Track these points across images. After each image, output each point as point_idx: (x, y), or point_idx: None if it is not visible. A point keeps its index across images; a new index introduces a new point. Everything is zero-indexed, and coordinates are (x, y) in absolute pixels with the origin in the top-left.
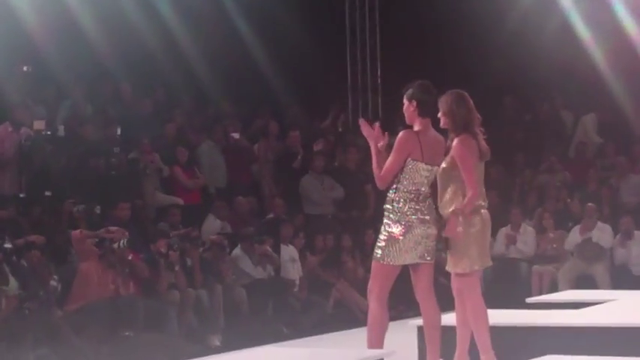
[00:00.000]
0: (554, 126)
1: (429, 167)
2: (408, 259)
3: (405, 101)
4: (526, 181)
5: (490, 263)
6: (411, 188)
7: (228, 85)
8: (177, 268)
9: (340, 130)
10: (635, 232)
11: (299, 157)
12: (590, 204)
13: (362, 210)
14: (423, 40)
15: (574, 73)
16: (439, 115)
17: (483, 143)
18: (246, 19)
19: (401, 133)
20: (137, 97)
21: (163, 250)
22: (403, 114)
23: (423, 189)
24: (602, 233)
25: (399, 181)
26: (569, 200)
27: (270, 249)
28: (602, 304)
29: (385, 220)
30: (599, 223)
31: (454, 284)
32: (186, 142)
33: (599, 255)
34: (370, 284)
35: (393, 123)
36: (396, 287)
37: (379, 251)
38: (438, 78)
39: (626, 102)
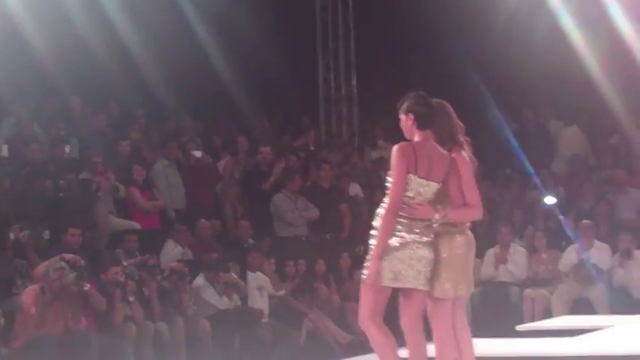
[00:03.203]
0: (542, 137)
1: (424, 182)
2: None
3: (402, 116)
4: (515, 197)
5: (473, 289)
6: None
7: (187, 98)
8: (132, 298)
9: (312, 148)
10: (635, 251)
11: (271, 178)
12: (585, 221)
13: (337, 232)
14: (402, 45)
15: (564, 79)
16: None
17: (470, 153)
18: (206, 24)
19: (395, 147)
20: (87, 113)
21: (120, 279)
22: (382, 126)
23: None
24: (600, 253)
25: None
26: (562, 217)
27: (235, 276)
28: (600, 331)
29: (372, 240)
30: (596, 242)
31: (427, 308)
32: (142, 161)
33: (597, 277)
34: (361, 311)
35: (372, 136)
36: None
37: (366, 272)
38: (418, 86)
39: (622, 110)
